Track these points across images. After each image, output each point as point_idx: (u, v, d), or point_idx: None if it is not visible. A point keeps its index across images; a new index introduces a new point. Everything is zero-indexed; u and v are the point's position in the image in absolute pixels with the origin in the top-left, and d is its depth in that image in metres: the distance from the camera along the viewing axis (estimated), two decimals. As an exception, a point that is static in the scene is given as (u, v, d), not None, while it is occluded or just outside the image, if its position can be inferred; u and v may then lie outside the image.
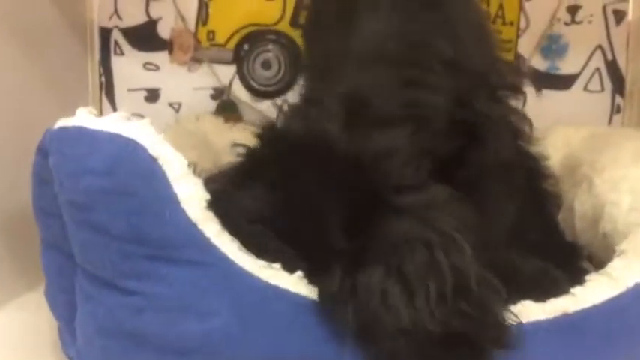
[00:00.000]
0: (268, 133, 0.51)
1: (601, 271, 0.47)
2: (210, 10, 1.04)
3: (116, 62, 1.06)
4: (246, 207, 0.46)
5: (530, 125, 0.69)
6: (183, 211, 0.43)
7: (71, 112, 0.99)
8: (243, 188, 0.47)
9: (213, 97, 1.06)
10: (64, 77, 0.98)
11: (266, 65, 1.05)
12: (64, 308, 0.48)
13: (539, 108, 1.01)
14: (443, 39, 0.58)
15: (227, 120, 0.99)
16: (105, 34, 1.05)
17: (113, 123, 0.43)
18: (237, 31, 1.05)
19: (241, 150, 0.51)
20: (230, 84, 1.05)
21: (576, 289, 0.45)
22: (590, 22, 1.04)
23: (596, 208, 0.65)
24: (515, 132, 0.63)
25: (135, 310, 0.43)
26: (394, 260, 0.42)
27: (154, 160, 0.43)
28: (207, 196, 0.44)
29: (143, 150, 0.43)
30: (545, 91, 1.05)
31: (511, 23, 1.04)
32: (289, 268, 0.44)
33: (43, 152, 0.46)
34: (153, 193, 0.43)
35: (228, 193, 0.47)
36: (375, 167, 0.46)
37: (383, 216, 0.44)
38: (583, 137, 0.87)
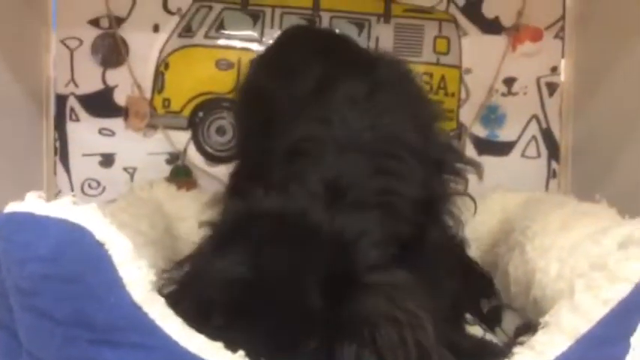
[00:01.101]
0: (237, 207, 0.54)
1: (526, 344, 0.49)
2: (166, 79, 1.07)
3: (71, 128, 1.07)
4: (228, 269, 0.48)
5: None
6: (128, 295, 0.44)
7: (24, 179, 0.99)
8: (223, 253, 0.49)
9: (169, 162, 1.08)
10: (18, 142, 0.99)
11: (220, 131, 1.08)
12: None
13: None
14: (411, 132, 0.63)
15: (180, 186, 1.01)
16: (61, 100, 1.06)
17: (61, 208, 0.44)
18: (192, 99, 1.08)
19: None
20: (185, 150, 1.07)
21: (504, 364, 0.47)
22: (525, 93, 1.10)
23: (527, 273, 0.68)
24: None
25: None
26: (368, 334, 0.45)
27: (100, 245, 0.44)
28: (152, 278, 0.45)
29: (90, 235, 0.44)
30: (485, 157, 1.10)
31: (452, 94, 1.10)
32: (232, 346, 0.45)
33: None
34: (98, 279, 0.43)
35: (208, 257, 0.49)
36: (351, 247, 0.50)
37: (356, 291, 0.48)
38: (518, 203, 0.92)
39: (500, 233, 0.87)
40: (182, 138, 1.07)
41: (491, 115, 1.11)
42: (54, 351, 0.43)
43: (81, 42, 1.05)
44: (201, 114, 1.07)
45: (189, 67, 1.07)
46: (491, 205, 0.97)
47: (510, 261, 0.74)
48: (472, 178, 0.83)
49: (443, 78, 1.09)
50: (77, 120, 1.06)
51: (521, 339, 0.53)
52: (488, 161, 1.09)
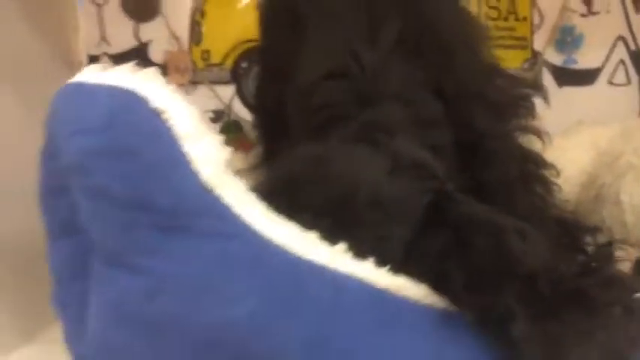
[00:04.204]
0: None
1: None
2: (204, 29, 1.01)
3: (106, 91, 1.01)
4: None
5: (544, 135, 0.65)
6: (194, 174, 0.37)
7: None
8: None
9: (214, 120, 1.01)
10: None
11: (267, 82, 1.01)
12: (75, 303, 0.42)
13: (560, 106, 0.96)
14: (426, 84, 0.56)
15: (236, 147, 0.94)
16: (94, 62, 1.01)
17: (114, 75, 0.38)
18: (233, 49, 1.01)
19: None
20: (230, 104, 1.01)
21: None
22: (608, 11, 1.01)
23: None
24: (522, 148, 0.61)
25: (147, 294, 0.37)
26: None
27: (157, 115, 0.38)
28: (226, 156, 0.38)
29: (145, 103, 0.37)
30: (567, 88, 1.00)
31: (524, 19, 1.01)
32: (331, 238, 0.38)
33: (50, 115, 0.42)
34: (157, 153, 0.37)
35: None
36: None
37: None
38: (613, 135, 0.84)
39: (598, 167, 0.79)
40: (226, 92, 1.01)
41: (567, 38, 1.01)
42: (116, 240, 0.38)
43: (108, -4, 1.00)
44: (244, 64, 1.01)
45: (228, 13, 1.01)
46: (580, 141, 0.88)
47: (622, 189, 0.68)
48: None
49: (512, 1, 0.99)
50: (112, 82, 1.00)
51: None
52: (570, 92, 1.00)
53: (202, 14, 1.01)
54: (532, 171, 0.62)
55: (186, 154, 0.37)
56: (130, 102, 0.37)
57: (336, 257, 0.38)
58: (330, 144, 0.47)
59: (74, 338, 0.42)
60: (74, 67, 1.01)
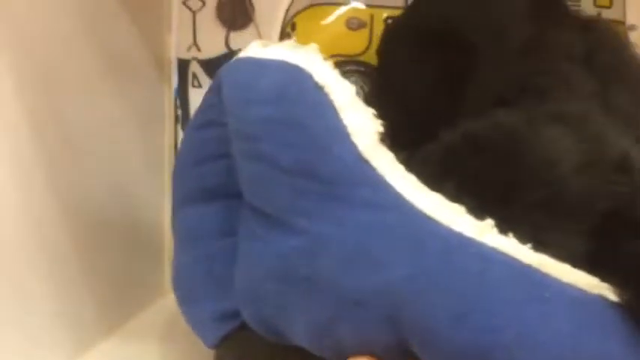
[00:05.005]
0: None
1: None
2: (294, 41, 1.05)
3: (193, 94, 1.06)
4: None
5: None
6: (353, 145, 0.40)
7: (148, 145, 1.00)
8: None
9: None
10: (141, 109, 0.99)
11: (352, 97, 1.04)
12: (220, 259, 0.46)
13: None
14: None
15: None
16: (183, 65, 1.06)
17: (280, 51, 0.42)
18: (321, 62, 1.05)
19: None
20: (313, 117, 1.04)
21: None
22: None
23: None
24: None
25: (304, 255, 0.40)
26: None
27: (319, 89, 0.41)
28: (380, 128, 0.41)
29: (308, 77, 0.41)
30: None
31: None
32: (479, 212, 0.40)
33: (215, 88, 0.47)
34: (320, 125, 0.41)
35: None
36: None
37: None
38: None
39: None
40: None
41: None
42: (283, 202, 0.42)
43: (204, 3, 1.05)
44: (330, 77, 1.04)
45: (317, 27, 1.05)
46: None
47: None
48: None
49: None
50: (199, 86, 1.05)
51: None
52: None
53: (293, 27, 1.06)
54: None
55: (346, 127, 0.41)
56: (296, 76, 0.41)
57: (482, 231, 0.40)
58: (525, 115, 0.44)
59: (213, 295, 0.46)
60: (164, 70, 1.07)
